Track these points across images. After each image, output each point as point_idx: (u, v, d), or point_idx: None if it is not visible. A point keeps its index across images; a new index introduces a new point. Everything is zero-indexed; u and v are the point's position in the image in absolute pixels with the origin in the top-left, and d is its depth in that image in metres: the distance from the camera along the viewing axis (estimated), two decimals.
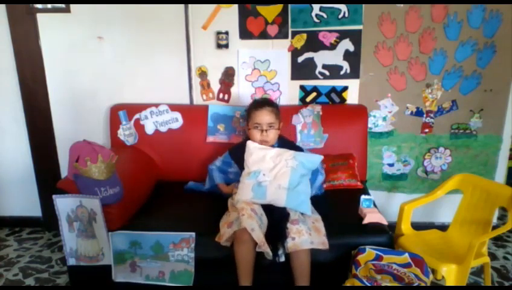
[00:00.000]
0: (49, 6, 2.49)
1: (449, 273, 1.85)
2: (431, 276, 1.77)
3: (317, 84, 2.58)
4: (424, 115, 2.61)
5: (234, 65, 2.57)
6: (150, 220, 2.08)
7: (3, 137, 2.77)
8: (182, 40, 2.52)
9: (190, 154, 2.50)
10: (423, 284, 1.69)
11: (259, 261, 1.85)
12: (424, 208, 2.30)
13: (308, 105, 2.54)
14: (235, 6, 2.47)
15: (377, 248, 1.85)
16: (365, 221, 1.99)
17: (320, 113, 2.49)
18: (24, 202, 2.88)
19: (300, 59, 2.55)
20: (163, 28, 2.51)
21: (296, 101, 2.62)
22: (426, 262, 1.79)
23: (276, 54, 2.54)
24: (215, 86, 2.62)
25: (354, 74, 2.56)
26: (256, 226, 1.81)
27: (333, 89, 2.59)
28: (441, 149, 2.65)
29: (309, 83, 2.59)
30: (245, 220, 1.82)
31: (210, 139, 2.50)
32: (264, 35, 2.51)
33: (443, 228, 2.23)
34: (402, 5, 2.44)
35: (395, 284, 1.69)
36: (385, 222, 2.00)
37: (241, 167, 2.10)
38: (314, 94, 2.60)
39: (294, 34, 2.51)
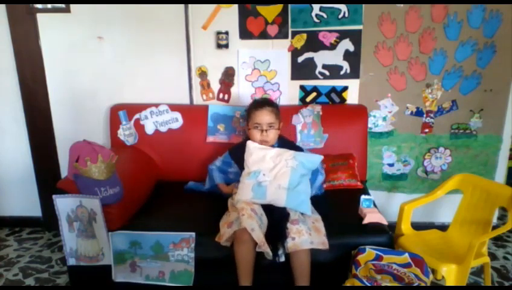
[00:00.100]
0: (49, 6, 2.49)
1: (449, 273, 1.85)
2: (431, 276, 1.77)
3: (317, 84, 2.58)
4: (424, 115, 2.61)
5: (234, 65, 2.57)
6: (150, 220, 2.08)
7: (3, 137, 2.77)
8: (182, 40, 2.52)
9: (190, 154, 2.50)
10: (423, 284, 1.69)
11: (259, 261, 1.85)
12: (424, 208, 2.30)
13: (308, 105, 2.54)
14: (235, 6, 2.47)
15: (377, 248, 1.85)
16: (365, 221, 1.99)
17: (320, 113, 2.49)
18: (24, 202, 2.88)
19: (300, 59, 2.55)
20: (163, 28, 2.51)
21: (296, 101, 2.62)
22: (426, 262, 1.79)
23: (276, 54, 2.54)
24: (215, 86, 2.62)
25: (354, 73, 2.56)
26: (256, 226, 1.81)
27: (333, 89, 2.59)
28: (441, 149, 2.65)
29: (309, 83, 2.59)
30: (245, 220, 1.82)
31: (210, 139, 2.50)
32: (264, 35, 2.51)
33: (443, 228, 2.23)
34: (402, 5, 2.44)
35: (395, 284, 1.69)
36: (385, 222, 2.00)
37: (241, 167, 2.10)
38: (314, 94, 2.60)
39: (294, 34, 2.51)
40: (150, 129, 2.51)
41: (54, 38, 2.55)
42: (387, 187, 2.74)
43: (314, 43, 2.51)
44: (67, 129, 2.69)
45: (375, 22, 2.47)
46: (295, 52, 2.54)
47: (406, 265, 1.78)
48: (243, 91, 2.61)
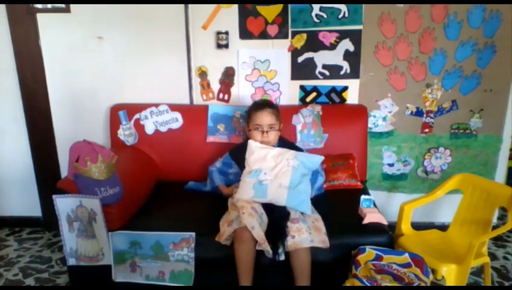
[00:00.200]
0: (49, 6, 2.49)
1: (449, 273, 1.85)
2: (431, 276, 1.77)
3: (317, 84, 2.58)
4: (424, 115, 2.61)
5: (234, 65, 2.57)
6: (150, 220, 2.08)
7: (3, 137, 2.77)
8: (182, 40, 2.52)
9: (190, 154, 2.50)
10: (423, 284, 1.69)
11: (259, 261, 1.85)
12: (424, 208, 2.29)
13: (308, 105, 2.54)
14: (235, 6, 2.47)
15: (377, 248, 1.85)
16: (365, 221, 1.99)
17: (320, 113, 2.49)
18: (24, 202, 2.88)
19: (300, 59, 2.55)
20: (163, 28, 2.51)
21: (296, 101, 2.62)
22: (426, 262, 1.79)
23: (276, 54, 2.54)
24: (215, 86, 2.62)
25: (354, 73, 2.56)
26: (256, 224, 1.81)
27: (333, 89, 2.59)
28: (441, 149, 2.65)
29: (309, 83, 2.59)
30: (245, 218, 1.82)
31: (210, 139, 2.50)
32: (264, 35, 2.51)
33: (443, 228, 2.23)
34: (402, 5, 2.44)
35: (395, 284, 1.69)
36: (385, 222, 2.00)
37: (242, 168, 2.11)
38: (314, 94, 2.60)
39: (294, 34, 2.51)
40: (150, 129, 2.51)
41: (54, 38, 2.55)
42: (387, 187, 2.74)
43: (314, 43, 2.51)
44: (67, 129, 2.69)
45: (375, 22, 2.47)
46: (295, 52, 2.54)
47: (406, 265, 1.78)
48: (243, 91, 2.61)
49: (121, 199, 1.98)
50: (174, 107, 2.52)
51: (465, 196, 2.16)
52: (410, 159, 2.68)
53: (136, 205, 2.16)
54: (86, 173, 1.90)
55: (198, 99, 2.64)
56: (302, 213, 1.98)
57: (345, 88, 2.58)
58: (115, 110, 2.54)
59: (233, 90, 2.62)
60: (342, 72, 2.56)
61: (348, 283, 1.77)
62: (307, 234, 1.85)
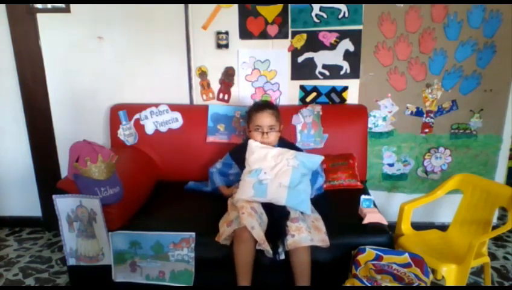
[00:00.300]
0: (49, 6, 2.49)
1: (449, 273, 1.85)
2: (431, 276, 1.77)
3: (317, 84, 2.58)
4: (424, 115, 2.61)
5: (234, 65, 2.57)
6: (150, 220, 2.08)
7: (3, 137, 2.77)
8: (182, 40, 2.52)
9: (190, 154, 2.50)
10: (423, 284, 1.69)
11: (259, 260, 1.86)
12: (424, 208, 2.29)
13: (308, 105, 2.54)
14: (235, 6, 2.47)
15: (377, 248, 1.85)
16: (365, 221, 1.99)
17: (320, 113, 2.49)
18: (24, 202, 2.88)
19: (300, 59, 2.55)
20: (163, 28, 2.51)
21: (296, 101, 2.62)
22: (426, 262, 1.79)
23: (276, 54, 2.54)
24: (215, 86, 2.62)
25: (354, 73, 2.56)
26: (256, 224, 1.81)
27: (333, 89, 2.59)
28: (441, 149, 2.65)
29: (309, 83, 2.59)
30: (245, 218, 1.82)
31: (210, 139, 2.50)
32: (264, 35, 2.51)
33: (443, 228, 2.23)
34: (402, 5, 2.44)
35: (395, 284, 1.69)
36: (385, 222, 2.01)
37: (242, 168, 2.11)
38: (314, 94, 2.60)
39: (294, 34, 2.51)
40: (150, 129, 2.51)
41: (54, 38, 2.55)
42: (387, 187, 2.74)
43: (314, 43, 2.51)
44: (67, 129, 2.69)
45: (375, 22, 2.47)
46: (295, 52, 2.54)
47: (406, 265, 1.78)
48: (243, 91, 2.61)
49: (121, 199, 1.98)
50: (174, 107, 2.52)
51: (465, 196, 2.16)
52: (410, 159, 2.68)
53: (136, 205, 2.16)
54: (86, 173, 1.90)
55: (198, 99, 2.64)
56: (302, 213, 1.98)
57: (345, 88, 2.58)
58: (115, 110, 2.54)
59: (233, 90, 2.62)
60: (342, 72, 2.56)
61: (348, 283, 1.77)
62: (307, 233, 1.85)
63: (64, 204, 1.92)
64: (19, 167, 2.80)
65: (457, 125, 2.61)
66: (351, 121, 2.52)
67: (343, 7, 2.45)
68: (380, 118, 2.62)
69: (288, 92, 2.60)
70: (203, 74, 2.59)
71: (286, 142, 2.26)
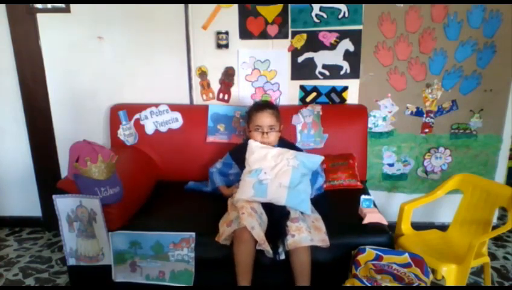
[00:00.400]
0: (49, 6, 2.49)
1: (449, 273, 1.85)
2: (431, 276, 1.77)
3: (317, 84, 2.58)
4: (424, 115, 2.61)
5: (234, 65, 2.57)
6: (150, 220, 2.08)
7: (3, 137, 2.77)
8: (182, 40, 2.52)
9: (190, 154, 2.50)
10: (423, 284, 1.69)
11: (260, 260, 1.85)
12: (424, 208, 2.29)
13: (308, 105, 2.54)
14: (235, 6, 2.47)
15: (377, 248, 1.85)
16: (365, 221, 1.99)
17: (320, 113, 2.49)
18: (24, 202, 2.88)
19: (300, 59, 2.55)
20: (163, 28, 2.51)
21: (296, 101, 2.62)
22: (426, 262, 1.79)
23: (276, 54, 2.54)
24: (215, 86, 2.62)
25: (354, 73, 2.56)
26: (256, 224, 1.81)
27: (333, 89, 2.59)
28: (441, 149, 2.65)
29: (309, 83, 2.59)
30: (245, 219, 1.82)
31: (210, 139, 2.50)
32: (264, 35, 2.51)
33: (443, 228, 2.23)
34: (402, 5, 2.44)
35: (395, 284, 1.69)
36: (385, 222, 2.01)
37: (242, 168, 2.11)
38: (314, 94, 2.60)
39: (294, 34, 2.51)
40: (150, 129, 2.51)
41: (54, 38, 2.55)
42: (387, 187, 2.74)
43: (314, 43, 2.51)
44: (67, 129, 2.69)
45: (375, 22, 2.47)
46: (295, 52, 2.54)
47: (406, 265, 1.78)
48: (243, 91, 2.61)
49: (121, 199, 1.98)
50: (174, 107, 2.52)
51: (465, 196, 2.16)
52: (410, 159, 2.68)
53: (136, 205, 2.16)
54: (86, 173, 1.90)
55: (198, 99, 2.64)
56: (302, 213, 1.98)
57: (345, 88, 2.58)
58: (115, 110, 2.54)
59: (233, 90, 2.62)
60: (342, 72, 2.56)
61: (348, 283, 1.77)
62: (307, 233, 1.85)
63: (64, 204, 1.92)
64: (19, 167, 2.80)
65: (457, 125, 2.62)
66: (351, 121, 2.52)
67: (343, 7, 2.45)
68: (380, 118, 2.62)
69: (288, 92, 2.60)
70: (203, 74, 2.59)
71: (286, 142, 2.26)
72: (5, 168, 2.82)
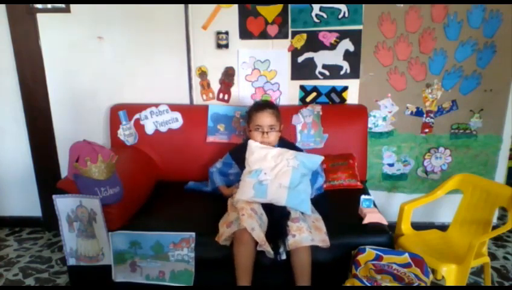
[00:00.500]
0: (49, 6, 2.49)
1: (449, 273, 1.85)
2: (431, 276, 1.77)
3: (317, 84, 2.58)
4: (424, 115, 2.61)
5: (234, 65, 2.57)
6: (150, 220, 2.08)
7: (3, 137, 2.76)
8: (182, 40, 2.52)
9: (190, 154, 2.50)
10: (423, 284, 1.69)
11: (260, 261, 1.85)
12: (424, 208, 2.29)
13: (308, 105, 2.54)
14: (235, 6, 2.47)
15: (377, 248, 1.85)
16: (365, 221, 1.99)
17: (320, 113, 2.49)
18: (24, 202, 2.87)
19: (300, 59, 2.55)
20: (163, 28, 2.51)
21: (296, 101, 2.62)
22: (426, 262, 1.79)
23: (276, 54, 2.54)
24: (215, 86, 2.62)
25: (354, 74, 2.56)
26: (256, 226, 1.81)
27: (333, 89, 2.59)
28: (441, 149, 2.65)
29: (309, 83, 2.59)
30: (245, 220, 1.82)
31: (210, 139, 2.50)
32: (264, 35, 2.51)
33: (443, 228, 2.23)
34: (402, 5, 2.44)
35: (395, 284, 1.69)
36: (385, 222, 2.00)
37: (242, 168, 2.11)
38: (314, 94, 2.60)
39: (294, 34, 2.51)
40: (150, 129, 2.51)
41: (54, 38, 2.55)
42: (387, 187, 2.74)
43: (314, 43, 2.51)
44: (67, 129, 2.69)
45: (375, 22, 2.47)
46: (295, 52, 2.54)
47: (406, 265, 1.78)
48: (243, 91, 2.61)
49: (121, 199, 1.98)
50: (174, 107, 2.52)
51: (465, 196, 2.16)
52: (410, 159, 2.68)
53: (136, 205, 2.16)
54: (86, 173, 1.90)
55: (198, 99, 2.64)
56: (302, 213, 1.98)
57: (345, 88, 2.58)
58: (115, 110, 2.54)
59: (233, 90, 2.62)
60: (342, 72, 2.56)
61: (348, 283, 1.77)
62: (308, 233, 1.85)
63: (64, 204, 1.92)
64: (19, 167, 2.80)
65: (457, 125, 2.62)
66: (351, 121, 2.52)
67: (343, 7, 2.45)
68: (380, 118, 2.62)
69: (288, 92, 2.60)
70: (203, 74, 2.59)
71: (286, 142, 2.26)
72: (5, 168, 2.82)
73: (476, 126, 2.61)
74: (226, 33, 2.49)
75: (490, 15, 2.42)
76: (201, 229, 1.95)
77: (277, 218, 1.92)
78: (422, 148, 2.66)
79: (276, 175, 1.98)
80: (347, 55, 2.52)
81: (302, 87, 2.60)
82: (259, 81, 2.59)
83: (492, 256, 2.51)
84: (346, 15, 2.46)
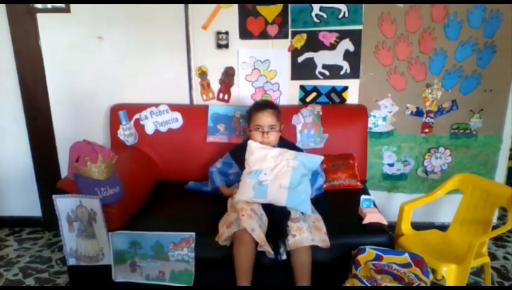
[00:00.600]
0: (49, 6, 2.49)
1: (449, 273, 1.85)
2: (431, 276, 1.77)
3: (317, 84, 2.58)
4: (424, 115, 2.61)
5: (234, 65, 2.57)
6: (150, 220, 2.08)
7: (3, 137, 2.77)
8: (182, 40, 2.52)
9: (190, 154, 2.50)
10: (423, 284, 1.69)
11: (260, 261, 1.85)
12: (424, 208, 2.29)
13: (308, 105, 2.54)
14: (235, 6, 2.47)
15: (377, 248, 1.85)
16: (365, 221, 1.99)
17: (320, 113, 2.49)
18: (24, 202, 2.88)
19: (300, 59, 2.55)
20: (163, 28, 2.51)
21: (296, 101, 2.62)
22: (426, 262, 1.79)
23: (276, 54, 2.54)
24: (215, 86, 2.62)
25: (354, 74, 2.56)
26: (256, 226, 1.81)
27: (333, 89, 2.59)
28: (441, 149, 2.65)
29: (309, 83, 2.59)
30: (245, 221, 1.82)
31: (210, 139, 2.50)
32: (264, 35, 2.51)
33: (443, 228, 2.23)
34: (402, 5, 2.44)
35: (395, 284, 1.69)
36: (385, 222, 2.00)
37: (242, 168, 2.11)
38: (314, 94, 2.60)
39: (294, 34, 2.51)
40: (150, 129, 2.51)
41: (54, 38, 2.55)
42: (387, 187, 2.74)
43: (314, 43, 2.51)
44: (67, 129, 2.69)
45: (375, 22, 2.47)
46: (295, 52, 2.54)
47: (406, 265, 1.78)
48: (243, 91, 2.61)
49: (121, 199, 1.98)
50: (174, 107, 2.52)
51: (465, 196, 2.16)
52: (410, 159, 2.68)
53: (136, 205, 2.16)
54: (86, 173, 1.90)
55: (198, 99, 2.64)
56: (302, 213, 1.98)
57: (345, 88, 2.58)
58: (115, 110, 2.54)
59: (233, 90, 2.62)
60: (342, 72, 2.56)
61: (348, 283, 1.77)
62: (308, 233, 1.85)
63: (64, 204, 1.92)
64: (19, 167, 2.80)
65: (457, 125, 2.62)
66: (351, 121, 2.52)
67: (343, 7, 2.45)
68: (380, 118, 2.62)
69: (288, 92, 2.60)
70: (203, 74, 2.59)
71: (286, 142, 2.26)
72: (5, 168, 2.82)
73: (476, 126, 2.61)
74: (226, 33, 2.49)
75: (490, 15, 2.42)
76: (201, 229, 1.95)
77: (277, 218, 1.92)
78: (422, 148, 2.66)
79: (276, 175, 1.98)
80: (347, 55, 2.52)
81: (302, 87, 2.60)
82: (259, 81, 2.59)
83: (492, 256, 2.51)
84: (346, 15, 2.46)
